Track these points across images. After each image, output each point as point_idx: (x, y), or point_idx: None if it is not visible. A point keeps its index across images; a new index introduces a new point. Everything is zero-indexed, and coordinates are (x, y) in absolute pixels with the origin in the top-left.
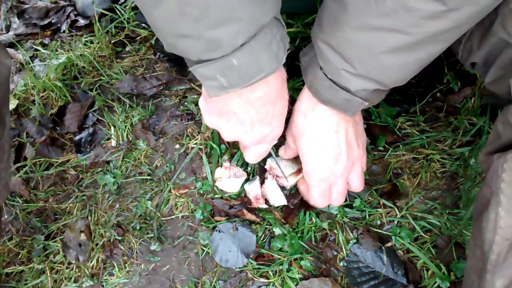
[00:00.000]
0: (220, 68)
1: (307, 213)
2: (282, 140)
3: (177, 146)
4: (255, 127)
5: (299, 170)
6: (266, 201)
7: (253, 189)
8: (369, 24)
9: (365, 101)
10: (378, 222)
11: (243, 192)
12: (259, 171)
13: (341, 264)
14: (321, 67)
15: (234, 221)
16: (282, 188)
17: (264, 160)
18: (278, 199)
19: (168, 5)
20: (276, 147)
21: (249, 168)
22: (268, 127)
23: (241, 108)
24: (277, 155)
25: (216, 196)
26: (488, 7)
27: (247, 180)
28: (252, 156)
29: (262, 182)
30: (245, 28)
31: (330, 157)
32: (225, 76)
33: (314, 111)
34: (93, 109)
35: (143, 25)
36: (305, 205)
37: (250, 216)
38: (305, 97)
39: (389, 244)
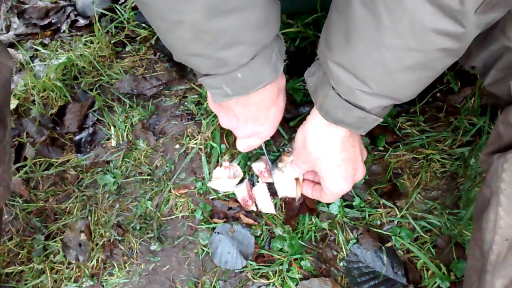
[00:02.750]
0: (225, 80)
1: (307, 213)
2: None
3: (177, 146)
4: (248, 124)
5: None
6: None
7: (240, 192)
8: (385, 43)
9: (379, 118)
10: (378, 222)
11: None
12: (251, 174)
13: (341, 264)
14: (333, 87)
15: (232, 224)
16: (272, 194)
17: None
18: (267, 206)
19: (184, 32)
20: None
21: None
22: (260, 127)
23: (237, 108)
24: (268, 152)
25: (215, 196)
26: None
27: (242, 180)
28: (242, 145)
29: (253, 185)
30: (250, 49)
31: (351, 170)
32: (230, 87)
33: (328, 132)
34: (93, 109)
35: (143, 25)
36: (306, 209)
37: (247, 220)
38: (316, 120)
39: (389, 244)
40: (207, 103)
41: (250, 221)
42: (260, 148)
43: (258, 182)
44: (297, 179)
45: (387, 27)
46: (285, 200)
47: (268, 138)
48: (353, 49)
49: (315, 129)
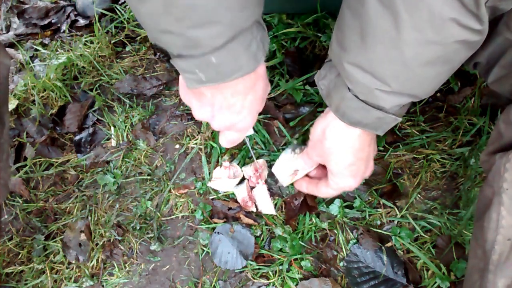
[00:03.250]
0: (198, 64)
1: (307, 213)
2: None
3: (177, 146)
4: (224, 112)
5: (295, 172)
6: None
7: (240, 192)
8: (404, 39)
9: (398, 117)
10: (378, 222)
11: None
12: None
13: (341, 264)
14: (349, 89)
15: (232, 224)
16: (272, 194)
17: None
18: (267, 207)
19: (154, 4)
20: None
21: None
22: (236, 116)
23: (210, 92)
24: (252, 147)
25: (215, 196)
26: None
27: (243, 180)
28: (224, 141)
29: (253, 187)
30: (225, 31)
31: (363, 168)
32: (204, 72)
33: (348, 132)
34: (93, 109)
35: None
36: (306, 207)
37: (247, 220)
38: (334, 117)
39: (389, 244)
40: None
41: (250, 221)
42: (244, 142)
43: (258, 183)
44: (295, 171)
45: (405, 22)
46: (286, 200)
47: (249, 132)
48: (369, 47)
49: (336, 126)
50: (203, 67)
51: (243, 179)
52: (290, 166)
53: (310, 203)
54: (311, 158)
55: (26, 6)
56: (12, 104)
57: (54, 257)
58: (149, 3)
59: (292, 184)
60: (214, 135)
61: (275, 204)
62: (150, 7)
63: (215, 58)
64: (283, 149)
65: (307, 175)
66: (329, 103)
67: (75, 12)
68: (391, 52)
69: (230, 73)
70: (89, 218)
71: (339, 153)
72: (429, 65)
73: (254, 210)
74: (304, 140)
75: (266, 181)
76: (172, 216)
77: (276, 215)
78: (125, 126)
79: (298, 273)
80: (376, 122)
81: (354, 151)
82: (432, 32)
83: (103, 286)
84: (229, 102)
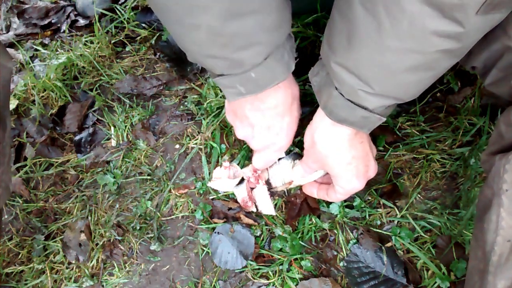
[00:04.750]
0: (239, 80)
1: (309, 213)
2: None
3: (177, 146)
4: (263, 133)
5: (290, 182)
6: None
7: (240, 192)
8: (386, 45)
9: (382, 117)
10: (378, 222)
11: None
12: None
13: (341, 264)
14: (336, 87)
15: (232, 224)
16: (272, 194)
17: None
18: (267, 208)
19: (199, 35)
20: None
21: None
22: (275, 136)
23: (252, 114)
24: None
25: (215, 196)
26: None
27: (242, 180)
28: (259, 161)
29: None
30: (264, 50)
31: (362, 167)
32: (244, 86)
33: (335, 130)
34: (93, 109)
35: (143, 25)
36: (308, 209)
37: (247, 220)
38: (322, 119)
39: (389, 244)
40: (207, 103)
41: (250, 221)
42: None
43: (258, 183)
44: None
45: (387, 29)
46: (287, 200)
47: (283, 153)
48: (355, 50)
49: (322, 128)
50: (244, 82)
51: (243, 179)
52: (287, 176)
53: (312, 205)
54: (310, 167)
55: (26, 6)
56: (12, 104)
57: (54, 257)
58: (195, 35)
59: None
60: (214, 135)
61: (275, 204)
62: (196, 38)
63: (255, 74)
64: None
65: (315, 181)
66: (319, 99)
67: (75, 12)
68: (374, 56)
69: (267, 83)
70: (89, 218)
71: (332, 154)
72: (411, 71)
73: (254, 210)
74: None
75: (266, 182)
76: (172, 216)
77: (276, 215)
78: (125, 126)
79: (298, 273)
80: (362, 121)
81: (346, 148)
82: (412, 42)
83: (103, 286)
84: (269, 124)
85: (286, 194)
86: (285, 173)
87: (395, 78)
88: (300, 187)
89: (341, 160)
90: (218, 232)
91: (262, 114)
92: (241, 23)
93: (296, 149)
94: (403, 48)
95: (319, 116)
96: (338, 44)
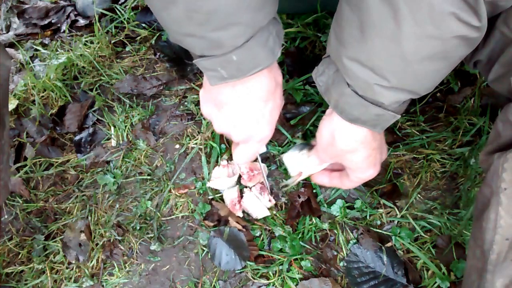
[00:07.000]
0: (220, 62)
1: (310, 214)
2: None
3: (177, 146)
4: (244, 121)
5: (299, 173)
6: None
7: (229, 194)
8: (403, 33)
9: (397, 114)
10: (378, 222)
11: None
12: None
13: (341, 264)
14: (348, 84)
15: (225, 227)
16: (271, 192)
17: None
18: (259, 211)
19: (176, 10)
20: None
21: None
22: (256, 125)
23: (232, 99)
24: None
25: (212, 197)
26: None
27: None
28: (240, 155)
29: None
30: (245, 31)
31: (378, 155)
32: (225, 69)
33: (355, 131)
34: (93, 109)
35: (143, 25)
36: (309, 210)
37: (235, 224)
38: (339, 122)
39: (389, 244)
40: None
41: (244, 223)
42: (256, 160)
43: (250, 180)
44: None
45: (405, 15)
46: (290, 196)
47: (264, 148)
48: (368, 41)
49: (344, 128)
50: (225, 65)
51: (240, 177)
52: (296, 167)
53: (314, 205)
54: (324, 160)
55: (26, 6)
56: (12, 104)
57: (54, 257)
58: (172, 10)
59: (292, 186)
60: (214, 135)
61: (275, 205)
62: (172, 13)
63: (236, 56)
64: (286, 148)
65: (325, 169)
66: (328, 99)
67: (75, 12)
68: (390, 46)
69: (250, 68)
70: (89, 218)
71: (354, 151)
72: (428, 60)
73: (241, 215)
74: (305, 137)
75: (263, 183)
76: (172, 216)
77: (276, 215)
78: (125, 126)
79: (298, 273)
80: (375, 119)
81: (368, 144)
82: (431, 26)
83: (103, 286)
84: (250, 109)
85: (294, 188)
86: (295, 166)
87: (412, 68)
88: (301, 184)
89: (362, 155)
90: (213, 236)
91: (244, 99)
92: (219, 0)
93: (299, 141)
94: (422, 35)
95: (333, 116)
96: (349, 36)
